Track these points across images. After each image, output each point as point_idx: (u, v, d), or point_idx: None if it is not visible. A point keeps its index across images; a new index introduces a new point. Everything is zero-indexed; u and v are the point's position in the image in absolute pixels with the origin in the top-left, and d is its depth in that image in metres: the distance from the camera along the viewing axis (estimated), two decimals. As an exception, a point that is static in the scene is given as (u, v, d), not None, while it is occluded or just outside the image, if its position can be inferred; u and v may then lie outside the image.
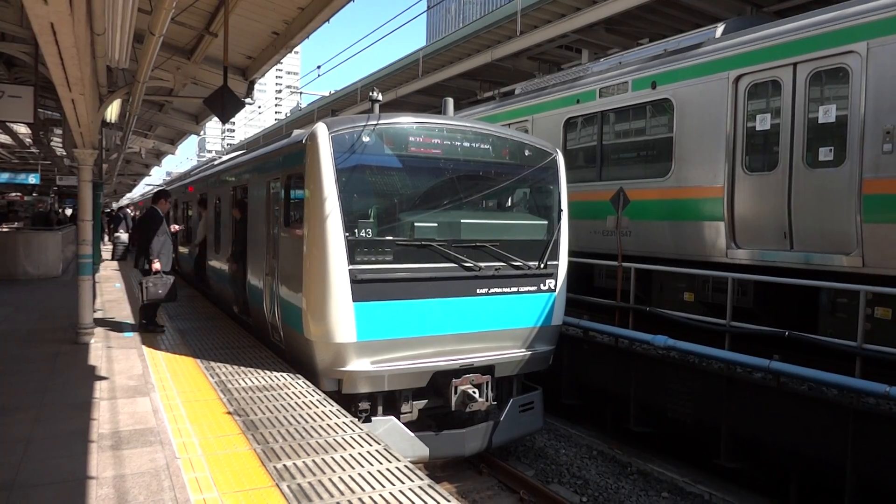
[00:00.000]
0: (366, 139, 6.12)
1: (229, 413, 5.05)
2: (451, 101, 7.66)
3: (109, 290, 12.25)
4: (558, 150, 7.57)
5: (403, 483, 3.81)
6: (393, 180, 6.47)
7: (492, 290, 6.65)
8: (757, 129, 7.76)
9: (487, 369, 6.68)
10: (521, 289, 6.86)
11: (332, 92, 28.69)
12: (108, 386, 5.74)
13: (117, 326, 8.67)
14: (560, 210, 7.27)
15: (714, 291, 8.27)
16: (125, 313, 9.73)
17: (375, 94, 7.00)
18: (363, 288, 5.97)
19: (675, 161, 8.77)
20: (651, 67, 9.24)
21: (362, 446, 4.40)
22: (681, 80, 8.71)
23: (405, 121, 6.54)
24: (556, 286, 7.10)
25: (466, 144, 6.74)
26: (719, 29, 8.87)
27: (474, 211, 6.99)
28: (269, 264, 7.36)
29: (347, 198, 6.04)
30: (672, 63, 8.92)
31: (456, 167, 6.69)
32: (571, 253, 7.92)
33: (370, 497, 3.63)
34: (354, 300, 5.93)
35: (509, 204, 7.58)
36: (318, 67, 19.50)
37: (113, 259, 18.73)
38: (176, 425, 4.78)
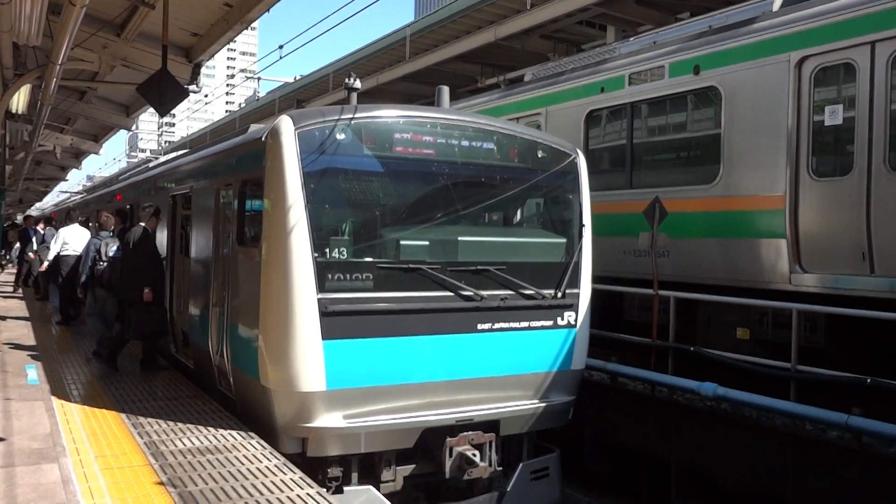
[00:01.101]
0: (340, 136, 6.21)
1: (161, 483, 4.95)
2: (445, 90, 7.72)
3: (10, 326, 12.06)
4: (579, 151, 7.66)
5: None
6: (374, 188, 6.54)
7: (497, 326, 6.70)
8: (826, 123, 7.83)
9: (491, 426, 6.66)
10: (534, 324, 6.89)
11: (298, 78, 28.89)
12: (3, 450, 5.60)
13: (18, 371, 8.54)
14: (581, 225, 7.35)
15: (775, 327, 8.26)
16: (27, 355, 9.57)
17: (352, 80, 7.05)
18: (335, 322, 5.99)
19: (724, 164, 8.86)
20: (693, 48, 9.33)
21: (333, 526, 4.42)
22: (730, 64, 8.75)
23: (389, 114, 6.62)
24: (576, 320, 7.15)
25: (465, 143, 6.83)
26: (777, 0, 8.98)
27: (475, 226, 7.02)
28: (217, 292, 7.41)
29: (317, 209, 6.09)
30: (719, 43, 8.99)
31: (452, 172, 6.79)
32: (596, 279, 7.69)
33: None
34: (324, 337, 5.95)
35: (518, 218, 7.64)
36: (281, 48, 19.43)
37: (17, 286, 18.48)
38: (92, 501, 4.63)
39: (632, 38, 11.74)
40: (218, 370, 7.35)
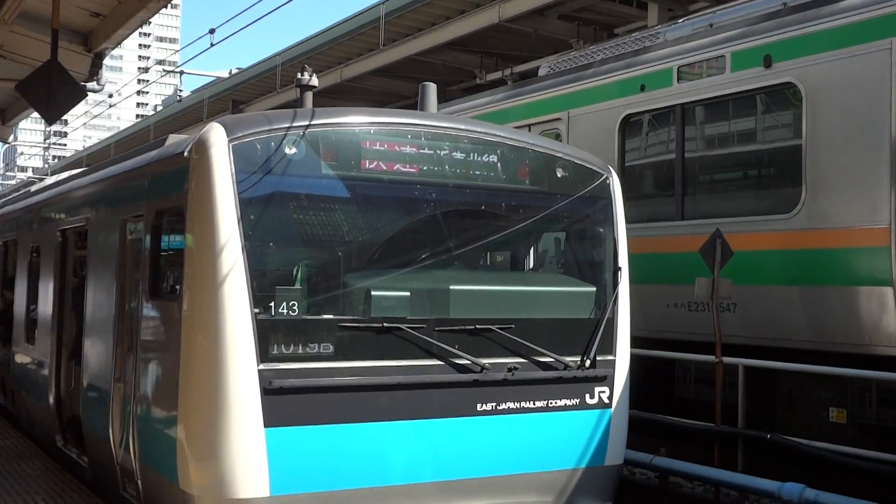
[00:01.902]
0: (291, 151, 6.31)
1: None
2: (432, 89, 7.86)
3: None
4: (612, 170, 7.80)
5: None
6: (336, 219, 6.65)
7: (503, 406, 6.74)
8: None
9: None
10: (554, 403, 6.94)
11: (235, 72, 29.15)
12: None
13: None
14: (616, 269, 7.45)
15: (881, 405, 8.31)
16: None
17: (307, 75, 7.18)
18: (283, 403, 6.00)
19: (807, 186, 8.94)
20: (763, 33, 9.46)
21: None
22: (812, 54, 8.87)
23: (357, 120, 6.79)
24: (611, 398, 7.21)
25: (459, 159, 6.98)
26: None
27: (473, 271, 7.12)
28: (121, 362, 7.44)
29: (259, 249, 6.19)
30: (798, 26, 9.12)
31: (442, 197, 6.92)
32: (636, 341, 7.75)
33: None
34: (268, 424, 5.93)
35: (532, 259, 7.77)
36: (212, 32, 19.21)
37: None
38: None
39: (681, 20, 11.89)
40: (121, 469, 7.30)
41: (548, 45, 18.56)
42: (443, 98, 18.48)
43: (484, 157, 7.05)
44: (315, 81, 7.20)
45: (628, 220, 7.80)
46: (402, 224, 6.90)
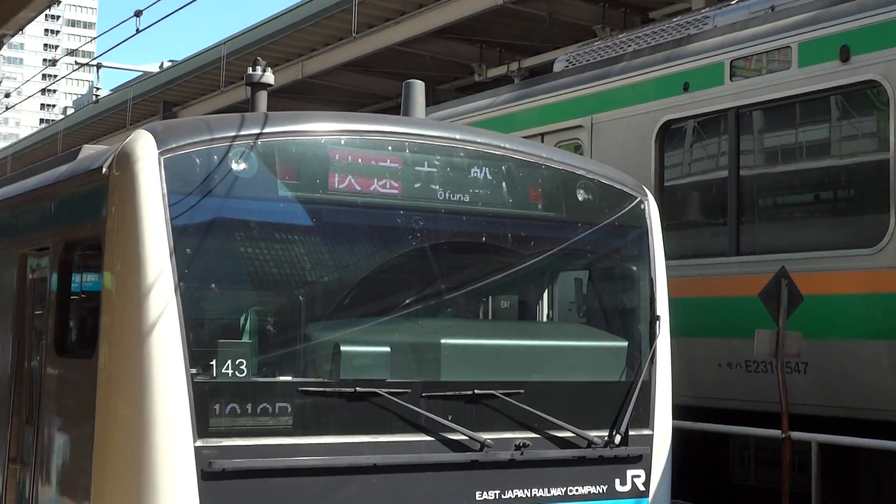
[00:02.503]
0: (239, 166, 6.36)
1: None
2: (419, 88, 7.97)
3: None
4: (647, 192, 7.90)
5: None
6: (296, 254, 6.76)
7: (509, 495, 6.70)
8: None
9: None
10: (575, 490, 6.92)
11: (167, 66, 29.10)
12: None
13: None
14: (654, 317, 7.53)
15: None
16: None
17: (259, 70, 7.27)
18: (227, 490, 5.95)
19: (897, 212, 9.54)
20: (839, 19, 9.55)
21: None
22: (901, 45, 9.39)
23: (324, 127, 6.87)
24: (648, 484, 7.20)
25: (454, 177, 7.09)
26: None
27: (471, 321, 7.30)
28: (18, 437, 7.40)
29: (197, 291, 6.24)
30: (883, 9, 9.21)
31: (431, 226, 7.00)
32: (679, 410, 7.86)
33: None
34: None
35: (545, 304, 7.90)
36: (138, 15, 19.14)
37: None
38: None
39: (735, 1, 12.00)
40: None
41: (565, 32, 18.79)
42: (432, 99, 18.73)
43: (485, 175, 7.11)
44: (270, 78, 7.26)
45: (668, 256, 7.81)
46: (380, 260, 6.96)
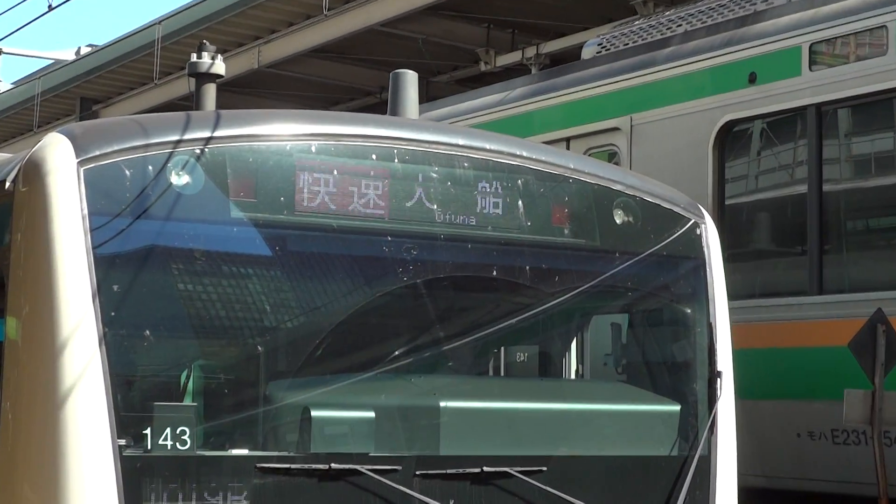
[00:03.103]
0: (180, 180, 6.33)
1: None
2: (410, 80, 7.97)
3: None
4: (704, 213, 7.76)
5: None
6: (253, 292, 6.68)
7: None
8: None
9: None
10: None
11: (85, 52, 29.24)
12: None
13: None
14: (713, 373, 7.43)
15: None
16: None
17: (206, 57, 7.35)
18: None
19: None
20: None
21: None
22: None
23: (289, 130, 6.85)
24: None
25: (455, 193, 7.04)
26: None
27: (477, 378, 7.40)
28: None
29: (126, 339, 6.12)
30: None
31: (427, 256, 6.93)
32: (746, 493, 7.75)
33: None
34: None
35: (573, 357, 7.96)
36: None
37: None
38: None
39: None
40: None
41: (597, 9, 18.95)
42: (426, 94, 18.95)
43: (496, 192, 7.09)
44: (220, 67, 7.29)
45: (731, 295, 7.68)
46: (361, 300, 6.84)
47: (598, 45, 13.23)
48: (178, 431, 5.99)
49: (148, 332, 6.17)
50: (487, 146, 7.19)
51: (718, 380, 7.35)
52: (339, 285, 6.89)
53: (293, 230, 6.65)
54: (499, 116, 13.32)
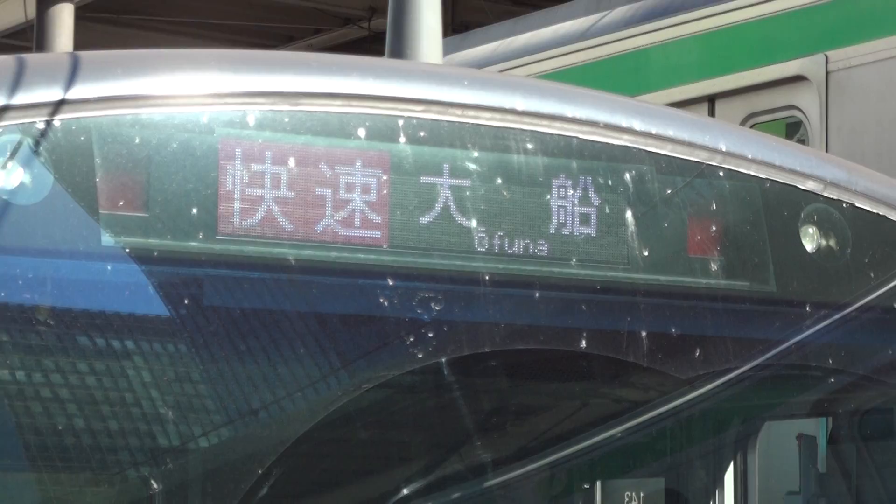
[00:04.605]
0: (8, 179, 5.10)
1: None
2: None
3: None
4: None
5: None
6: (138, 386, 5.40)
7: None
8: None
9: None
10: None
11: None
12: None
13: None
14: None
15: None
16: None
17: None
18: None
19: None
20: None
21: None
22: None
23: (206, 89, 5.37)
24: None
25: (508, 199, 5.57)
26: None
27: None
28: None
29: None
30: None
31: (458, 317, 5.51)
32: None
33: None
34: None
35: (726, 498, 6.55)
36: None
37: None
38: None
39: None
40: None
41: None
42: (451, 21, 16.92)
43: (587, 197, 5.37)
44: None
45: None
46: (336, 400, 5.39)
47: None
48: None
49: None
50: (569, 114, 5.50)
51: None
52: (298, 373, 5.42)
53: (215, 270, 5.25)
54: (582, 60, 11.00)
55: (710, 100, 10.48)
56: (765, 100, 10.41)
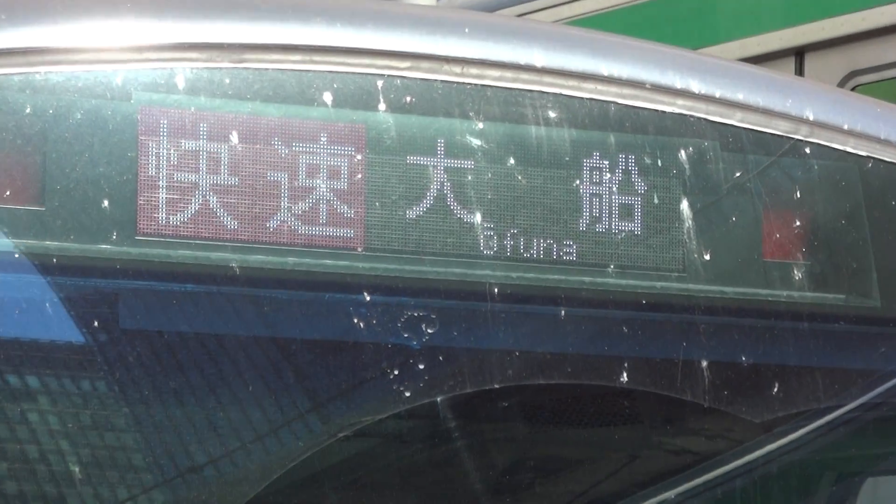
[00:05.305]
0: None
1: None
2: None
3: None
4: None
5: None
6: (40, 434, 5.00)
7: None
8: None
9: None
10: None
11: None
12: None
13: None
14: None
15: None
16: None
17: None
18: None
19: None
20: None
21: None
22: None
23: (120, 41, 4.81)
24: None
25: (524, 185, 5.10)
26: None
27: None
28: None
29: None
30: None
31: (458, 342, 4.95)
32: None
33: None
34: None
35: None
36: None
37: None
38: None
39: None
40: None
41: None
42: None
43: (629, 181, 4.79)
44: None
45: None
46: (302, 450, 4.71)
47: None
48: None
49: None
50: (606, 71, 4.90)
51: None
52: (244, 421, 4.79)
53: (134, 281, 4.57)
54: (624, 1, 10.28)
55: (798, 53, 9.62)
56: (871, 53, 9.60)
